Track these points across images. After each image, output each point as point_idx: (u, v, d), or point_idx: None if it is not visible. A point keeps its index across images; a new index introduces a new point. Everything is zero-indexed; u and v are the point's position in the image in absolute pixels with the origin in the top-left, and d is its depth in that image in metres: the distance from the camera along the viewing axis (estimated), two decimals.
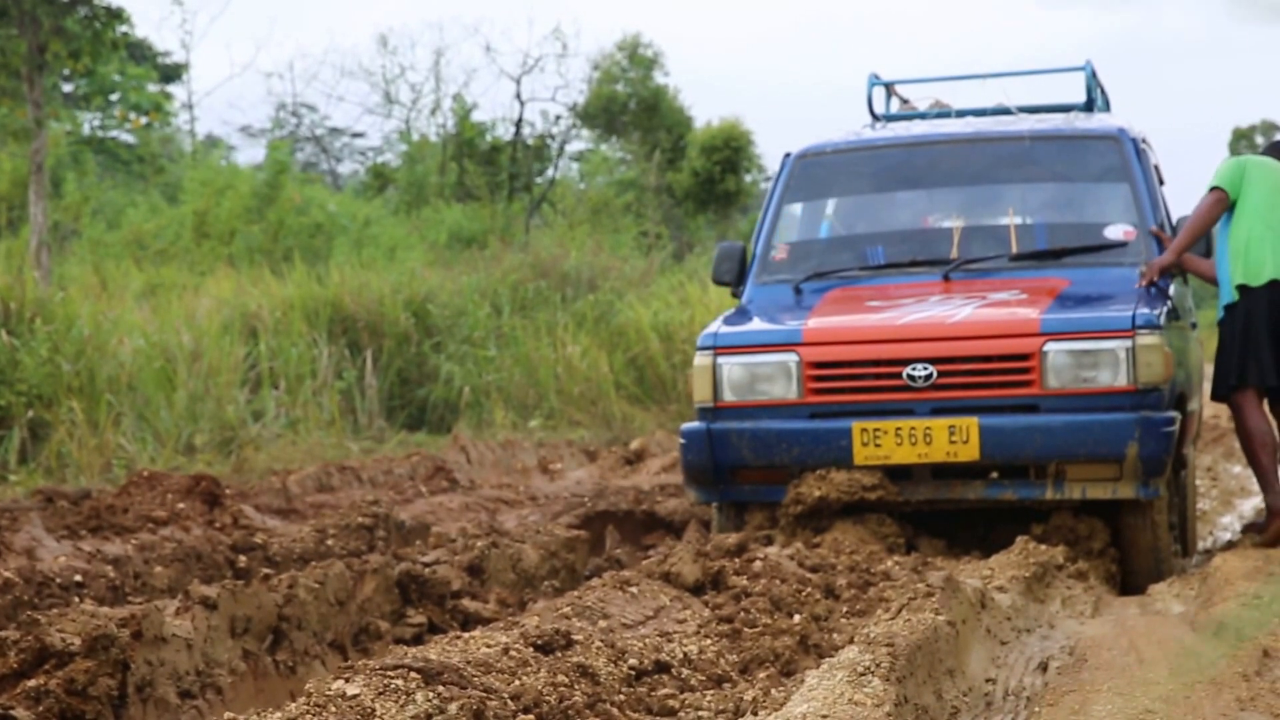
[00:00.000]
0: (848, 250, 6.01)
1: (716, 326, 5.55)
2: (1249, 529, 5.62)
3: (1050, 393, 5.10)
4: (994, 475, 5.23)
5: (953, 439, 5.09)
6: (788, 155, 6.24)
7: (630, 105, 23.18)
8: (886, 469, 5.22)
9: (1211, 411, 11.58)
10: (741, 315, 5.72)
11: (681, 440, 5.43)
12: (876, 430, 5.17)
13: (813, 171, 6.17)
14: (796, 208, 6.19)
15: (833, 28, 70.37)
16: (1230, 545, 5.49)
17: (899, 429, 5.14)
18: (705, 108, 52.23)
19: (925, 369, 5.16)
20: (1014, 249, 5.77)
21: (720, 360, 5.36)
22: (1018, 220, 5.90)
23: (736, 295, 6.00)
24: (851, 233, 6.16)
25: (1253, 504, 7.50)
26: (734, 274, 5.98)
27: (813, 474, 5.27)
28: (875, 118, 6.61)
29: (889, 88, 6.76)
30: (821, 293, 5.74)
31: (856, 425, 5.19)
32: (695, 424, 5.42)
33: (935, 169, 6.13)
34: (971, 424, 5.09)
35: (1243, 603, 4.19)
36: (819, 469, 5.27)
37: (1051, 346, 5.10)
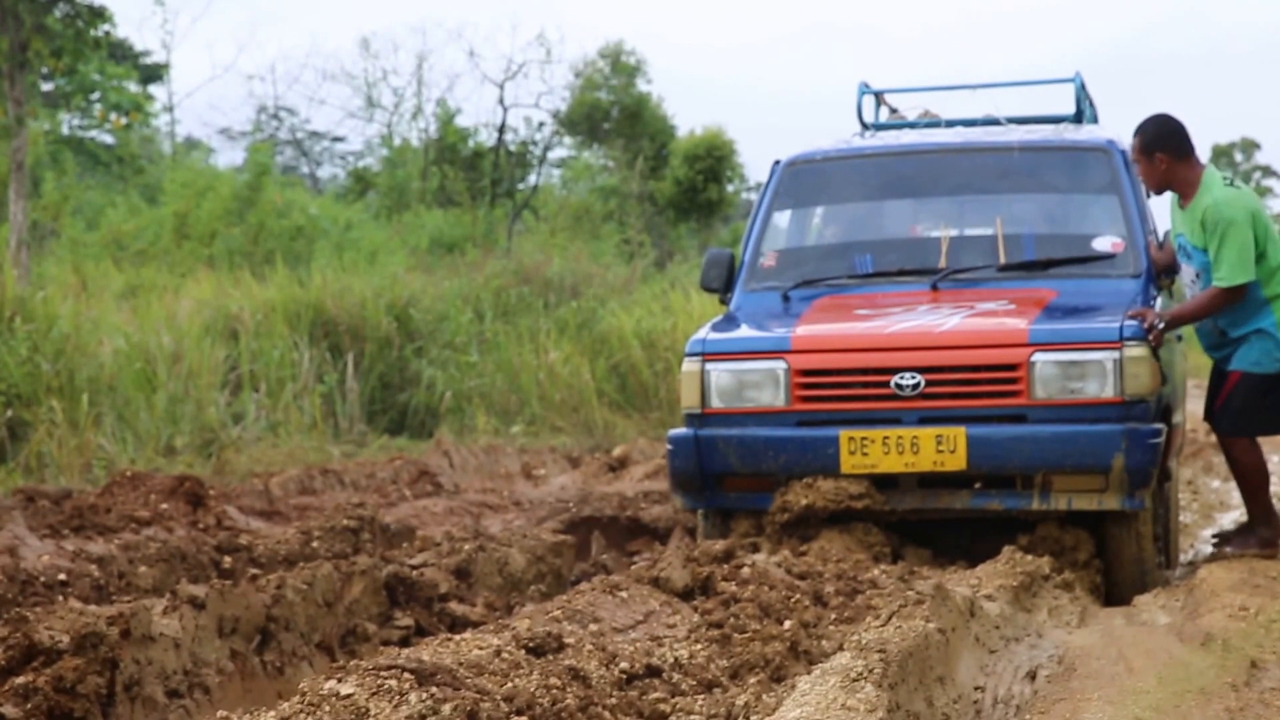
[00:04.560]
0: (836, 258, 6.00)
1: (705, 332, 5.52)
2: (1223, 541, 5.62)
3: (1037, 403, 5.10)
4: (978, 485, 5.22)
5: (940, 448, 5.09)
6: (777, 162, 6.23)
7: (613, 113, 23.22)
8: (873, 478, 5.20)
9: (1191, 425, 11.66)
10: (730, 322, 5.71)
11: (668, 446, 5.41)
12: (864, 439, 5.15)
13: (802, 179, 6.17)
14: (785, 215, 6.18)
15: (817, 38, 70.62)
16: (1214, 557, 5.50)
17: (886, 438, 5.13)
18: (688, 116, 52.43)
19: (913, 378, 5.15)
20: (1002, 259, 5.76)
21: (708, 366, 5.34)
22: (1006, 230, 5.90)
23: (724, 302, 5.99)
24: (840, 241, 6.14)
25: (1232, 517, 7.54)
26: (722, 280, 5.96)
27: (799, 482, 5.24)
28: (865, 126, 6.61)
29: (878, 97, 6.75)
30: (810, 300, 5.73)
31: (844, 434, 5.17)
32: (682, 430, 5.40)
33: (924, 178, 6.12)
34: (959, 433, 5.09)
35: (1229, 614, 4.22)
36: (806, 477, 5.23)
37: (1039, 357, 5.11)
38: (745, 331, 5.56)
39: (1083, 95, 6.48)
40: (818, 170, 6.18)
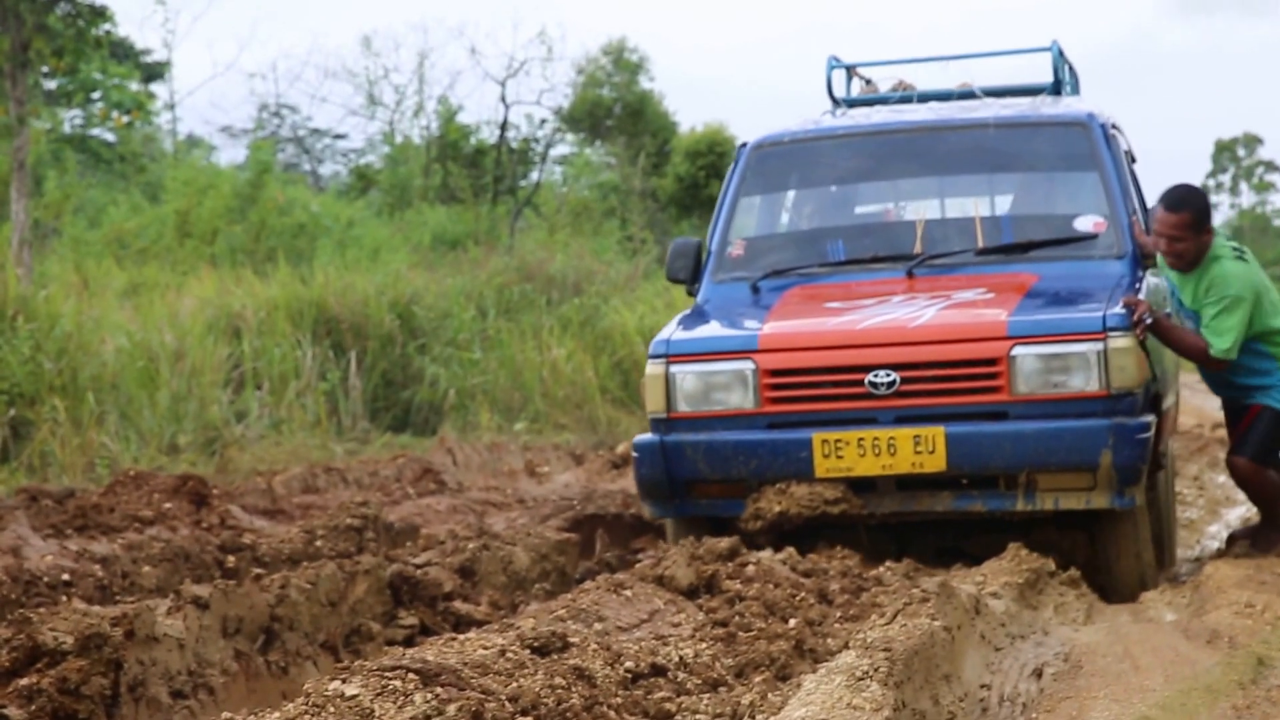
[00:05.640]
0: (807, 246, 5.75)
1: (669, 332, 5.29)
2: (1235, 538, 5.62)
3: (1019, 399, 4.89)
4: (966, 483, 5.00)
5: (918, 449, 4.89)
6: (743, 146, 5.97)
7: (615, 109, 23.20)
8: (849, 481, 4.97)
9: (1195, 420, 11.62)
10: (696, 318, 5.48)
11: (634, 453, 5.17)
12: (838, 441, 4.93)
13: (769, 163, 5.90)
14: (753, 201, 5.92)
15: (818, 35, 70.51)
16: (1221, 554, 5.48)
17: (861, 439, 4.92)
18: (690, 113, 52.30)
19: (888, 375, 4.95)
20: (980, 243, 5.52)
21: (673, 369, 5.11)
22: (983, 212, 5.68)
23: (692, 294, 5.74)
24: (810, 227, 5.91)
25: (1239, 513, 7.53)
26: (689, 271, 5.70)
27: (772, 488, 5.02)
28: (836, 103, 6.36)
29: (850, 70, 6.48)
30: (780, 291, 5.48)
31: (817, 436, 4.95)
32: (648, 436, 5.16)
33: (897, 159, 5.87)
34: (937, 433, 4.88)
35: (1236, 611, 4.20)
36: (779, 482, 5.02)
37: (1020, 350, 4.90)
38: (711, 330, 5.33)
39: (1061, 64, 6.23)
40: (785, 153, 5.93)
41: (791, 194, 6.03)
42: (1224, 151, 48.49)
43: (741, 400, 5.08)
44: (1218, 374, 5.38)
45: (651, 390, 5.18)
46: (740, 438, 5.07)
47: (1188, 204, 5.14)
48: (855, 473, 4.97)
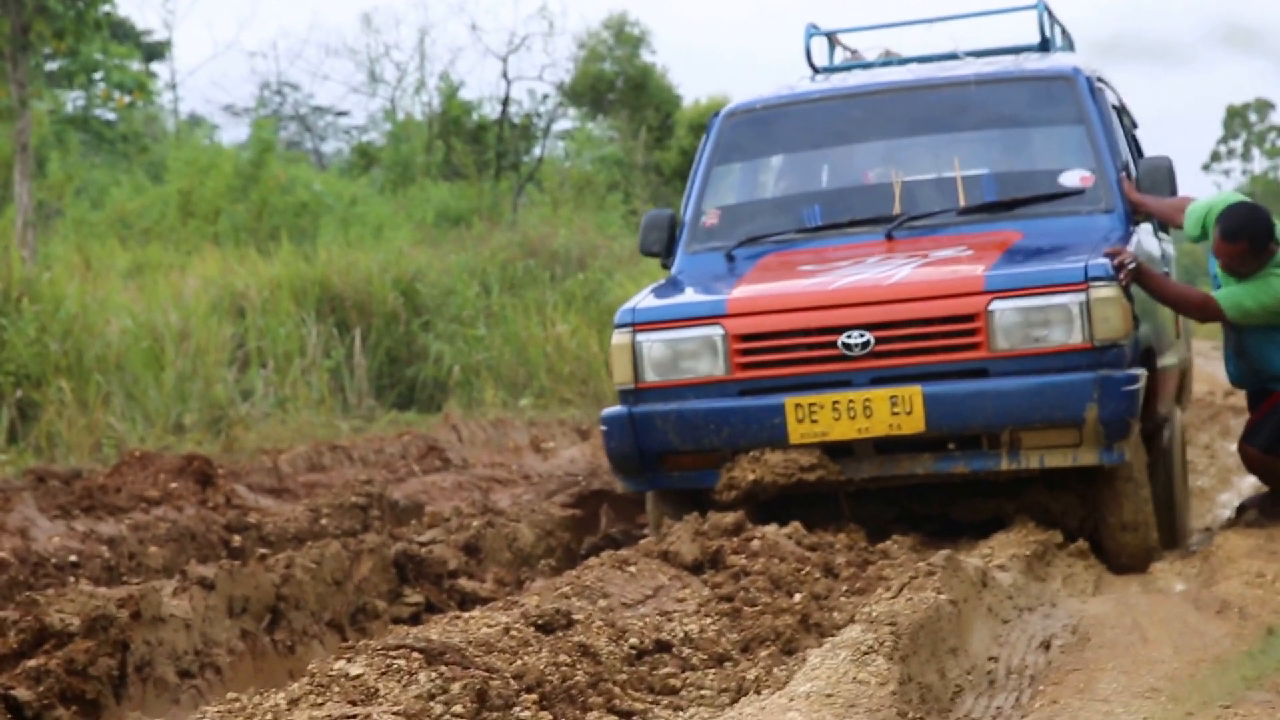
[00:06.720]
0: (783, 212, 5.62)
1: (637, 300, 5.17)
2: (1246, 506, 5.60)
3: (999, 355, 4.75)
4: (952, 447, 4.87)
5: (895, 410, 4.73)
6: (715, 114, 5.88)
7: (617, 83, 23.12)
8: (825, 446, 4.84)
9: (1207, 388, 11.57)
10: (668, 287, 5.34)
11: (602, 426, 5.05)
12: (812, 405, 4.80)
13: (743, 130, 5.78)
14: (727, 169, 5.80)
15: (822, 6, 70.16)
16: (1231, 523, 5.46)
17: (836, 402, 4.78)
18: (693, 85, 52.06)
19: (862, 336, 4.81)
20: (962, 202, 5.41)
21: (640, 337, 4.98)
22: (965, 171, 5.55)
23: (666, 266, 5.65)
24: (786, 193, 5.80)
25: (1251, 481, 7.50)
26: (663, 243, 5.60)
27: (746, 456, 4.89)
28: (815, 70, 6.25)
29: (830, 38, 6.38)
30: (755, 259, 5.35)
31: (790, 401, 4.82)
32: (616, 408, 5.04)
33: (873, 121, 5.77)
34: (915, 393, 4.73)
35: (1246, 581, 4.18)
36: (752, 450, 4.89)
37: (998, 305, 4.75)
38: (678, 296, 5.21)
39: (1047, 22, 6.10)
40: (759, 119, 5.82)
41: (766, 161, 5.93)
42: (1235, 117, 48.30)
43: (711, 367, 4.96)
44: (1247, 363, 5.31)
45: (618, 360, 5.04)
46: (711, 406, 4.94)
47: (1243, 234, 5.00)
48: (831, 437, 4.84)
